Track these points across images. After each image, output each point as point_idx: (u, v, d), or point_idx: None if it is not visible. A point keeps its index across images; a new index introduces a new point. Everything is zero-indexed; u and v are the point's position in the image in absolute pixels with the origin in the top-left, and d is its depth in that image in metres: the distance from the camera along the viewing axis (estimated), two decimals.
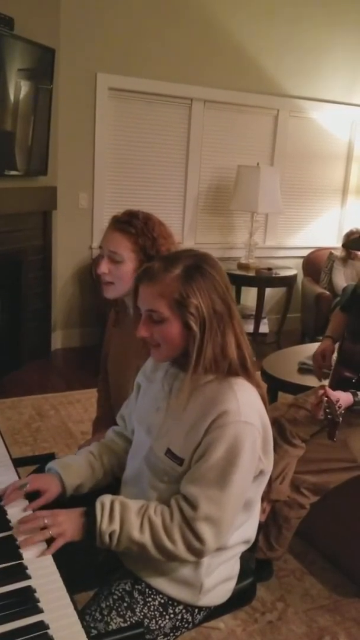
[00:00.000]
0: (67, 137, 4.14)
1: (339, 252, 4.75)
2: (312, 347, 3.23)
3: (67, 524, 1.18)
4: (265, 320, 4.98)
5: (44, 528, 1.17)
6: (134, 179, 4.50)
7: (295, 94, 4.88)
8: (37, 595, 1.04)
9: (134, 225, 1.63)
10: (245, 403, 1.19)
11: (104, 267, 1.65)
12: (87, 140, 4.25)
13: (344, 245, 4.57)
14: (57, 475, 1.39)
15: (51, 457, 1.71)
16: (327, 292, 4.57)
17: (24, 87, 3.56)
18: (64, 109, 4.07)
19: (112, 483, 1.48)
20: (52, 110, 3.86)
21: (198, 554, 1.19)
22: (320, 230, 5.40)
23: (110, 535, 1.19)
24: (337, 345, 2.33)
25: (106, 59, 4.15)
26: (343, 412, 1.75)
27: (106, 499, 1.22)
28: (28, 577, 1.07)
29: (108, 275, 1.65)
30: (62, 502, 1.39)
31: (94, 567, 1.37)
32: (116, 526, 1.19)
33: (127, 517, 1.19)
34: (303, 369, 2.97)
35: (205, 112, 4.62)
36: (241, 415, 1.17)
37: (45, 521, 1.17)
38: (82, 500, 1.35)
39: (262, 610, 2.01)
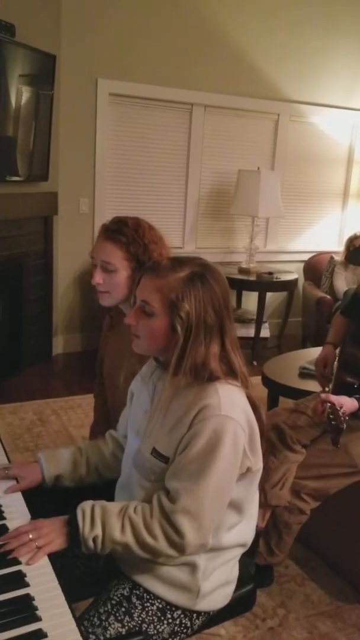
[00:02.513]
0: (68, 143, 4.15)
1: (340, 256, 4.75)
2: (313, 352, 3.24)
3: (52, 535, 1.20)
4: (266, 325, 4.98)
5: (30, 541, 1.18)
6: (134, 184, 4.51)
7: (296, 99, 4.89)
8: (35, 603, 1.04)
9: (124, 234, 1.63)
10: (227, 399, 1.21)
11: (98, 278, 1.65)
12: (88, 145, 4.27)
13: (347, 260, 4.57)
14: (40, 466, 1.47)
15: None
16: (328, 297, 4.56)
17: (25, 93, 3.58)
18: (65, 114, 4.09)
19: (96, 482, 1.52)
20: (53, 116, 3.88)
21: (179, 548, 1.20)
22: (321, 235, 5.40)
23: (94, 539, 1.21)
24: (338, 350, 2.32)
25: (107, 65, 4.16)
26: (347, 418, 1.75)
27: (86, 505, 1.24)
28: (27, 585, 1.08)
29: (103, 285, 1.66)
30: (44, 490, 1.46)
31: (92, 575, 1.37)
32: (98, 531, 1.20)
33: (108, 520, 1.21)
34: (304, 374, 2.97)
35: (205, 117, 4.64)
36: (221, 409, 1.19)
37: (30, 536, 1.19)
38: (67, 494, 1.45)
39: (263, 616, 2.00)
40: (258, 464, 1.29)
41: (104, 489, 1.46)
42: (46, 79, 3.73)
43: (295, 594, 2.12)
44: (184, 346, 1.21)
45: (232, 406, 1.21)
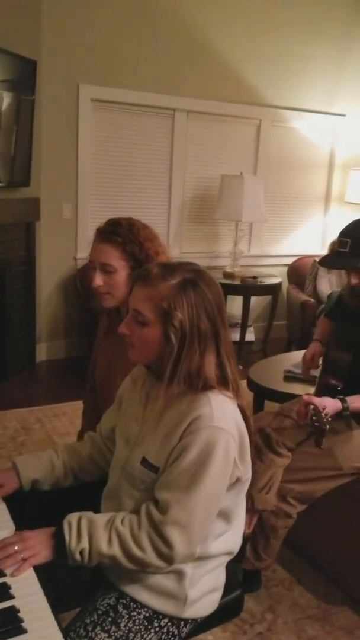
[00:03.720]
0: (50, 148, 4.13)
1: None
2: (298, 355, 3.24)
3: (38, 547, 1.19)
4: (251, 329, 5.00)
5: (16, 553, 1.17)
6: (117, 189, 4.50)
7: (277, 104, 4.93)
8: (20, 615, 1.02)
9: (119, 234, 1.65)
10: (220, 409, 1.20)
11: (98, 280, 1.68)
12: (70, 151, 4.25)
13: (319, 264, 4.58)
14: (16, 471, 1.44)
15: None
16: (312, 300, 4.59)
17: (6, 99, 3.55)
18: (47, 120, 4.07)
19: (73, 485, 1.51)
20: (35, 122, 3.86)
21: (168, 559, 1.19)
22: (304, 238, 5.44)
23: (81, 552, 1.19)
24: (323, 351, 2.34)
25: (88, 70, 4.16)
26: (330, 419, 1.75)
27: (73, 517, 1.23)
28: (11, 597, 1.06)
29: (104, 286, 1.69)
30: (22, 495, 1.43)
31: (79, 586, 1.35)
32: (85, 544, 1.19)
33: (94, 533, 1.20)
34: (289, 377, 2.97)
35: (188, 123, 4.65)
36: (214, 421, 1.18)
37: (16, 548, 1.17)
38: (47, 498, 1.44)
39: (251, 621, 2.00)
40: (247, 473, 1.29)
41: (85, 494, 1.46)
42: (27, 84, 3.71)
43: (283, 598, 2.12)
44: (178, 354, 1.20)
45: (224, 417, 1.20)
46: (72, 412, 3.53)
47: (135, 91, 4.33)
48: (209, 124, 4.74)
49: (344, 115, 5.24)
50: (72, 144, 4.24)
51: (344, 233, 1.97)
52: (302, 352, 3.01)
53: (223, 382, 1.25)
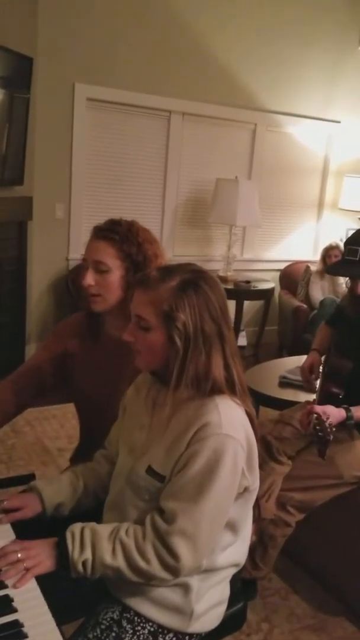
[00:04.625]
0: (44, 147, 4.08)
1: (316, 266, 4.78)
2: (292, 361, 3.24)
3: (41, 557, 1.15)
4: (243, 333, 4.98)
5: (18, 561, 1.13)
6: (111, 190, 4.46)
7: (273, 109, 4.93)
8: (25, 629, 0.98)
9: (117, 232, 1.56)
10: (228, 416, 1.17)
11: (89, 279, 1.56)
12: (65, 150, 4.20)
13: (327, 272, 4.52)
14: (38, 494, 1.36)
15: (31, 477, 1.65)
16: (305, 306, 4.58)
17: (0, 95, 3.50)
18: (41, 118, 4.02)
19: (93, 506, 1.42)
20: (29, 120, 3.80)
21: (174, 571, 1.15)
22: (297, 244, 5.44)
23: (84, 563, 1.15)
24: (323, 358, 2.32)
25: (84, 70, 4.11)
26: (334, 429, 1.73)
27: (76, 527, 1.19)
28: (15, 610, 1.02)
29: (94, 287, 1.57)
30: (44, 521, 1.34)
31: (80, 597, 1.30)
32: (88, 554, 1.15)
33: (98, 544, 1.16)
34: (284, 383, 2.95)
35: (184, 125, 4.62)
36: (222, 428, 1.15)
37: (19, 555, 1.13)
38: (65, 522, 1.29)
39: (247, 631, 1.97)
40: (255, 483, 1.26)
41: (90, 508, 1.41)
42: (22, 81, 3.65)
43: (279, 608, 2.09)
44: (183, 357, 1.16)
45: (232, 424, 1.17)
46: (62, 415, 3.48)
47: (131, 91, 4.29)
48: (204, 126, 4.72)
49: (338, 122, 5.25)
50: (67, 143, 4.19)
51: (353, 241, 1.95)
52: (296, 358, 3.00)
53: (230, 386, 1.21)
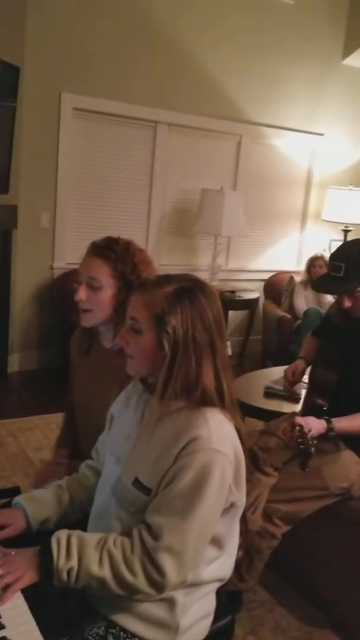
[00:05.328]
0: (30, 156, 4.07)
1: (300, 276, 4.82)
2: (277, 371, 3.24)
3: (22, 569, 1.13)
4: (228, 343, 4.97)
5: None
6: (97, 199, 4.46)
7: (258, 121, 4.97)
8: None
9: (114, 251, 1.59)
10: (218, 431, 1.16)
11: (82, 294, 1.59)
12: (51, 159, 4.19)
13: (313, 288, 4.54)
14: (23, 510, 1.34)
15: (16, 490, 1.63)
16: (289, 316, 4.61)
17: None
18: (28, 127, 4.00)
19: (81, 519, 1.40)
20: (15, 128, 3.79)
21: (159, 587, 1.14)
22: (281, 254, 5.48)
23: (69, 572, 1.13)
24: (309, 370, 2.33)
25: (71, 79, 4.12)
26: (316, 442, 1.73)
27: (62, 534, 1.17)
28: (2, 627, 1.00)
29: (86, 302, 1.60)
30: (29, 536, 1.33)
31: (65, 616, 1.28)
32: (74, 562, 1.13)
33: (85, 552, 1.14)
34: (269, 393, 2.96)
35: (170, 136, 4.64)
36: (212, 443, 1.14)
37: None
38: (49, 535, 1.27)
39: None
40: (242, 499, 1.25)
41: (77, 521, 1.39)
42: (9, 90, 3.65)
43: (265, 620, 2.08)
44: (171, 363, 1.16)
45: (222, 439, 1.16)
46: (45, 425, 3.44)
47: (117, 102, 4.30)
48: (190, 137, 4.74)
49: (322, 134, 5.32)
50: (53, 152, 4.19)
51: (337, 257, 1.95)
52: (281, 368, 3.00)
53: (220, 397, 1.21)
